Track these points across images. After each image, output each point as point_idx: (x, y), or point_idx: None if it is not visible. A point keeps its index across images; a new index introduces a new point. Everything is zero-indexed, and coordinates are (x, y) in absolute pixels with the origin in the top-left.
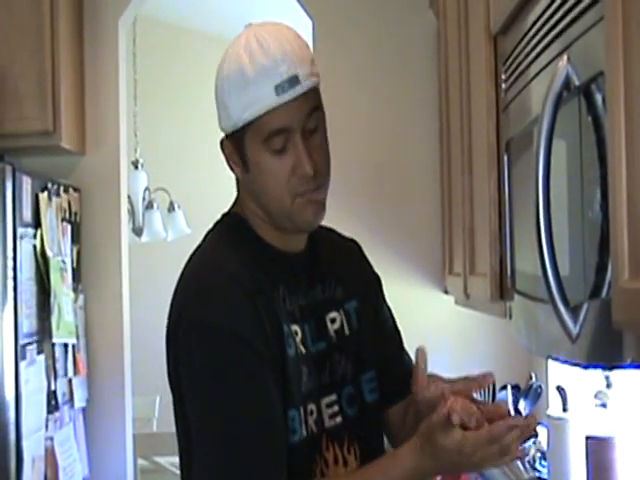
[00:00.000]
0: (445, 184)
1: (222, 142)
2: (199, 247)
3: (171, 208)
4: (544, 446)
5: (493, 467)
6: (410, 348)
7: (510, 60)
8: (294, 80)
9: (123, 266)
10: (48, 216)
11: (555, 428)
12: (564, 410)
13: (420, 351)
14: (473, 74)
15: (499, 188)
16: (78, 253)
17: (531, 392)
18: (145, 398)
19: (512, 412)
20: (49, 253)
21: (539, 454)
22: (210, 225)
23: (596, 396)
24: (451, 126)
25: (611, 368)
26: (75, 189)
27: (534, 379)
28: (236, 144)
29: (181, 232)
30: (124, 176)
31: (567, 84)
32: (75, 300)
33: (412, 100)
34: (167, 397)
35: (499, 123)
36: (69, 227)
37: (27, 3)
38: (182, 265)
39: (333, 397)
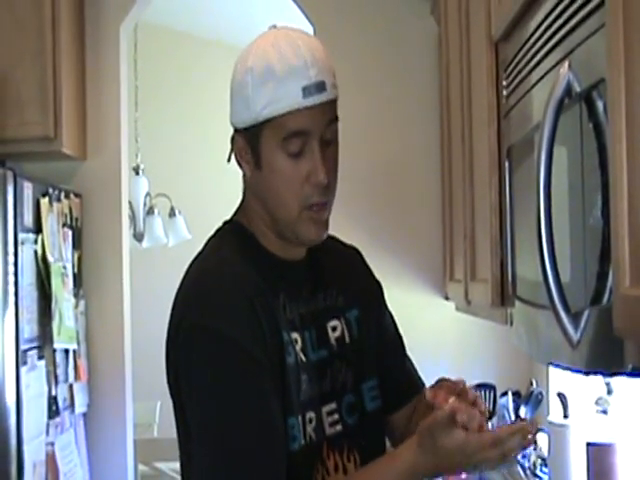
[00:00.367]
0: (446, 190)
1: (233, 136)
2: (200, 253)
3: (172, 214)
4: (545, 452)
5: (491, 469)
6: (412, 354)
7: (511, 67)
8: (321, 86)
9: (124, 272)
10: (49, 221)
11: (556, 434)
12: (565, 416)
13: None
14: (474, 81)
15: (500, 195)
16: (79, 258)
17: (532, 398)
18: (146, 404)
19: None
20: (50, 258)
21: (540, 460)
22: (211, 231)
23: (597, 402)
24: (452, 132)
25: (612, 374)
26: (76, 194)
27: (535, 385)
28: (250, 140)
29: (182, 238)
30: (125, 182)
31: (568, 91)
32: (76, 306)
33: (413, 107)
34: (168, 403)
35: (500, 130)
36: (70, 232)
37: (29, 9)
38: (183, 271)
39: (333, 405)
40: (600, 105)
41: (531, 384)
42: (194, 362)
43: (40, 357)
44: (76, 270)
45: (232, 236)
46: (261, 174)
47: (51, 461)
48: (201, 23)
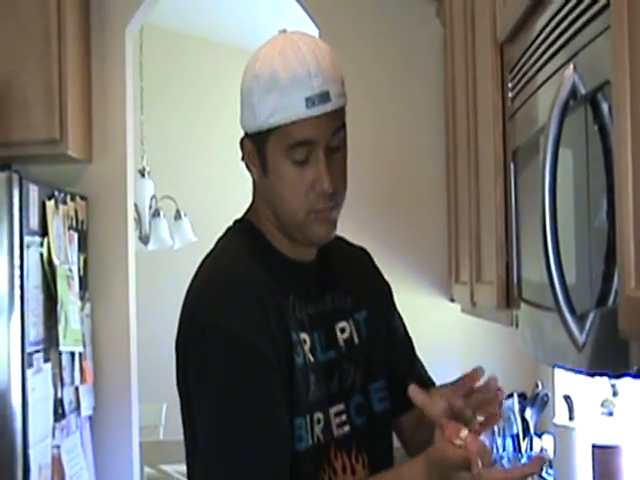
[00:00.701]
0: (451, 192)
1: (242, 140)
2: (211, 252)
3: (177, 216)
4: (550, 454)
5: None
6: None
7: (517, 69)
8: (325, 96)
9: (130, 274)
10: (55, 224)
11: (561, 436)
12: (570, 418)
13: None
14: (479, 82)
15: (505, 196)
16: (85, 261)
17: (537, 400)
18: (152, 406)
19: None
20: (56, 261)
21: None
22: (216, 233)
23: (602, 404)
24: (457, 134)
25: (617, 376)
26: (82, 197)
27: (540, 387)
28: (257, 145)
29: (188, 240)
30: (131, 184)
31: (573, 93)
32: (82, 308)
33: (418, 109)
34: (174, 405)
35: (505, 132)
36: (76, 235)
37: (35, 12)
38: (189, 273)
39: (341, 406)
40: (605, 107)
41: (537, 386)
42: (204, 361)
43: (46, 360)
44: (82, 273)
45: (243, 235)
46: (268, 179)
47: (57, 464)
48: (206, 25)
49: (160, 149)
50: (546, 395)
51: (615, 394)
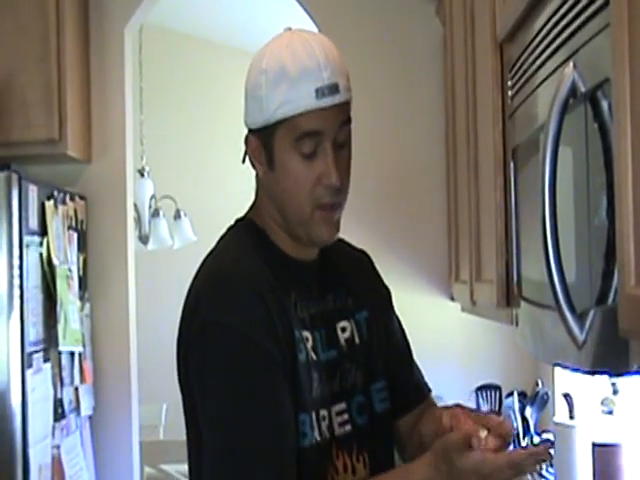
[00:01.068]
0: (451, 191)
1: (247, 137)
2: (212, 251)
3: (177, 216)
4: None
5: None
6: (417, 355)
7: (516, 67)
8: (334, 88)
9: (129, 274)
10: (54, 224)
11: (562, 435)
12: (571, 417)
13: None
14: (479, 81)
15: (505, 195)
16: (84, 261)
17: (537, 399)
18: (152, 406)
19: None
20: (55, 261)
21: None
22: (216, 232)
23: (603, 403)
24: (457, 133)
25: (617, 375)
26: (81, 197)
27: (540, 386)
28: (264, 140)
29: (187, 240)
30: (130, 184)
31: (573, 91)
32: (81, 308)
33: (418, 107)
34: (174, 405)
35: (505, 130)
36: (75, 235)
37: (34, 12)
38: (189, 273)
39: (343, 405)
40: (605, 105)
41: (537, 384)
42: (207, 358)
43: (45, 360)
44: (81, 273)
45: (245, 234)
46: (274, 174)
47: (57, 464)
48: (206, 25)
49: (159, 149)
50: (546, 394)
51: (615, 392)
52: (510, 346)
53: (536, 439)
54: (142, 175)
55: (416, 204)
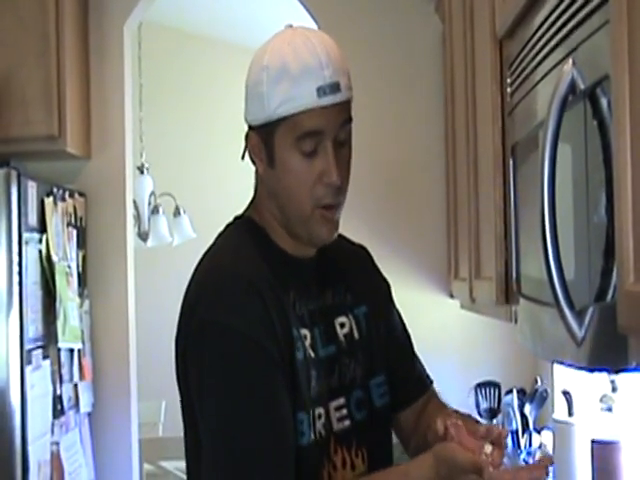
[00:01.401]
0: (451, 188)
1: (247, 134)
2: (210, 248)
3: (177, 213)
4: (550, 450)
5: None
6: (416, 352)
7: (516, 64)
8: (335, 86)
9: (129, 271)
10: (54, 221)
11: (561, 432)
12: (570, 414)
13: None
14: (479, 78)
15: (504, 192)
16: (84, 258)
17: (537, 396)
18: (151, 403)
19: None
20: (55, 258)
21: None
22: (216, 229)
23: (601, 400)
24: (457, 130)
25: (616, 372)
26: (80, 194)
27: (540, 383)
28: (264, 137)
29: (187, 237)
30: (129, 181)
31: (572, 88)
32: (81, 305)
33: (418, 104)
34: (173, 402)
35: (504, 127)
36: (74, 232)
37: (33, 8)
38: (188, 269)
39: (342, 401)
40: (604, 102)
41: (536, 382)
42: (205, 357)
43: (45, 357)
44: (81, 269)
45: (243, 231)
46: (274, 172)
47: (56, 461)
48: (205, 22)
49: (159, 146)
50: (545, 391)
51: (614, 390)
52: (509, 343)
53: (535, 437)
54: (141, 172)
55: (415, 201)
